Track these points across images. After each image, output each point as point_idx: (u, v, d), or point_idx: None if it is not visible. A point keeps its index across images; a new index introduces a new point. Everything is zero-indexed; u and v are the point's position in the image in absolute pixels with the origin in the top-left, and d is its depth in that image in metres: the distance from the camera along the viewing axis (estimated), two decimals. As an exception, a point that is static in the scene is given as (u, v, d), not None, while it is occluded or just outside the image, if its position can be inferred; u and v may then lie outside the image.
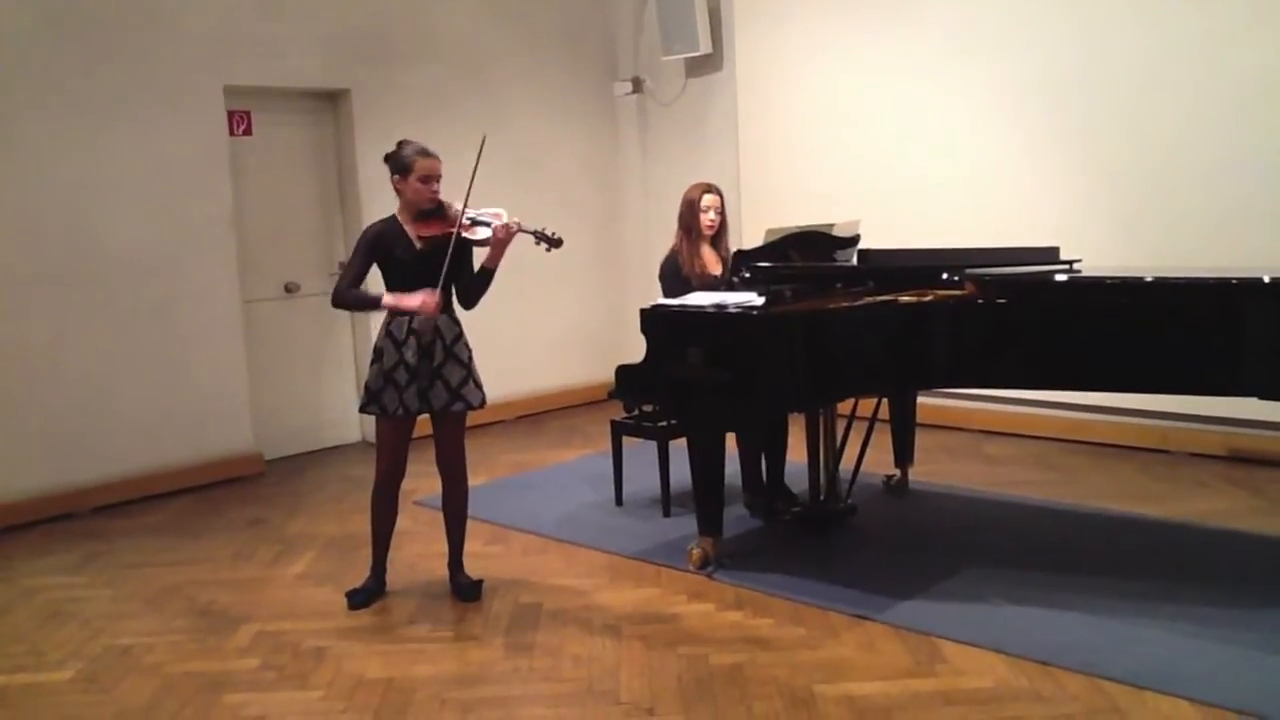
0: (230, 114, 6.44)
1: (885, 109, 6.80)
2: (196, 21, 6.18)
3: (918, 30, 6.62)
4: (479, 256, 4.15)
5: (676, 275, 5.01)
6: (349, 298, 4.09)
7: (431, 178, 4.05)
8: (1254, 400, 3.78)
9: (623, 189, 8.45)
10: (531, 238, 4.08)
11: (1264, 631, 3.58)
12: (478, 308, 4.23)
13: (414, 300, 4.00)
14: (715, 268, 5.06)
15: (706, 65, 7.74)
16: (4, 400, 5.56)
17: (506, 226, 4.04)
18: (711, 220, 5.02)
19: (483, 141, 3.98)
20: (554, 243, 4.09)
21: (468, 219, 4.05)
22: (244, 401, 6.43)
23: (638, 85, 8.21)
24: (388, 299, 4.04)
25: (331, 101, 6.98)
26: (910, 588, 4.09)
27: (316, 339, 6.96)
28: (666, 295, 4.96)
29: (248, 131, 6.60)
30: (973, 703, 3.23)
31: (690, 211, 5.04)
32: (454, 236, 3.98)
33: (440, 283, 3.99)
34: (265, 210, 6.69)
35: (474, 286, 4.17)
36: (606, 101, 8.35)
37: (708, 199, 5.02)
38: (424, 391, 4.07)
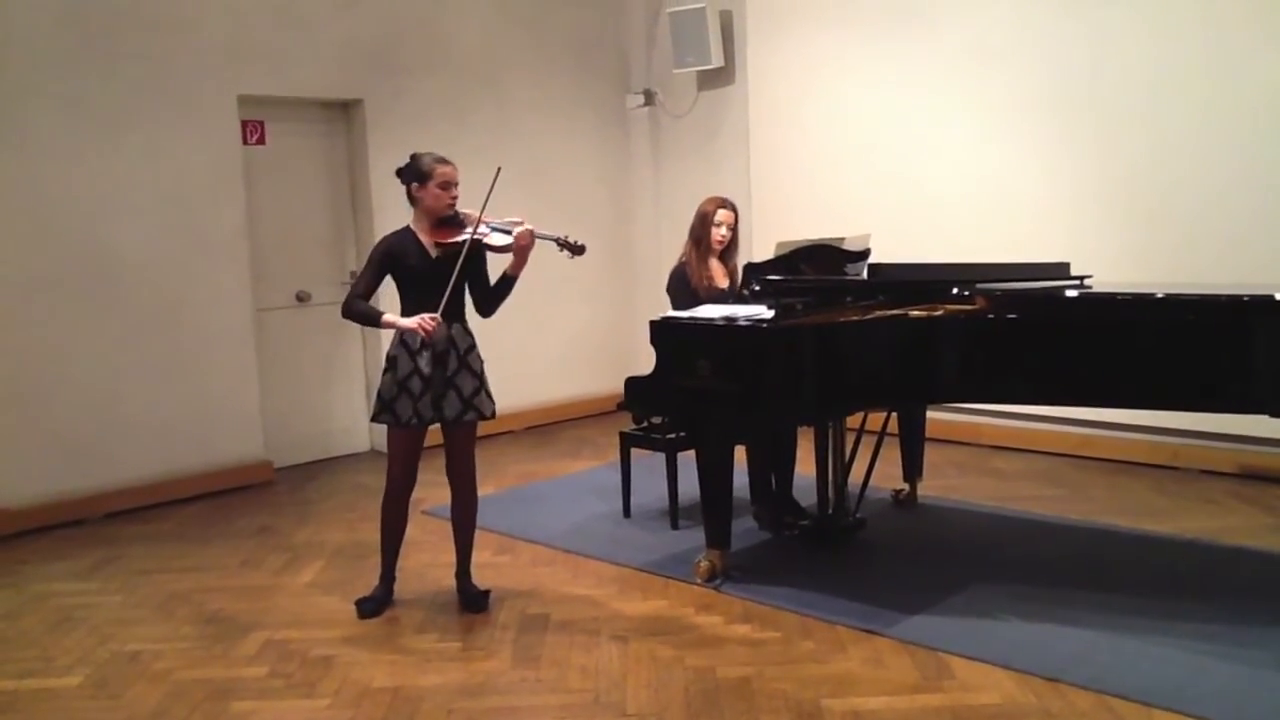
0: (244, 123, 6.47)
1: (896, 123, 6.81)
2: (210, 30, 6.22)
3: (929, 45, 6.63)
4: (499, 265, 4.13)
5: (685, 287, 5.02)
6: (356, 310, 4.08)
7: (450, 184, 4.09)
8: (1265, 418, 3.77)
9: (634, 201, 8.47)
10: (554, 244, 4.10)
11: (1274, 650, 3.56)
12: (483, 319, 4.25)
13: (410, 322, 3.98)
14: (722, 281, 5.07)
15: (718, 78, 7.76)
16: (16, 406, 5.59)
17: (528, 232, 4.06)
18: (722, 236, 5.04)
19: (497, 173, 3.99)
20: (576, 249, 4.12)
21: (486, 227, 4.08)
22: (254, 409, 6.45)
23: (650, 97, 8.23)
24: (387, 318, 4.05)
25: (345, 111, 7.01)
26: (918, 602, 4.08)
27: (327, 348, 6.98)
28: (674, 307, 4.97)
29: (261, 141, 6.64)
30: (980, 719, 3.22)
31: (703, 225, 5.05)
32: (468, 242, 3.99)
33: (448, 292, 3.99)
34: (278, 219, 6.72)
35: (494, 294, 4.20)
36: (618, 113, 8.37)
37: (721, 214, 5.04)
38: (437, 400, 4.08)
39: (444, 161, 4.10)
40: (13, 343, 5.57)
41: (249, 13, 6.36)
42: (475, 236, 4.02)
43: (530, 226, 4.08)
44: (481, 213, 4.02)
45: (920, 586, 4.26)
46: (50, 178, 5.67)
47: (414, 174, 4.10)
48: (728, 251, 5.11)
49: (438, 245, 4.08)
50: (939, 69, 6.59)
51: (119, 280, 5.91)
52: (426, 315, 3.97)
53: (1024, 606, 4.00)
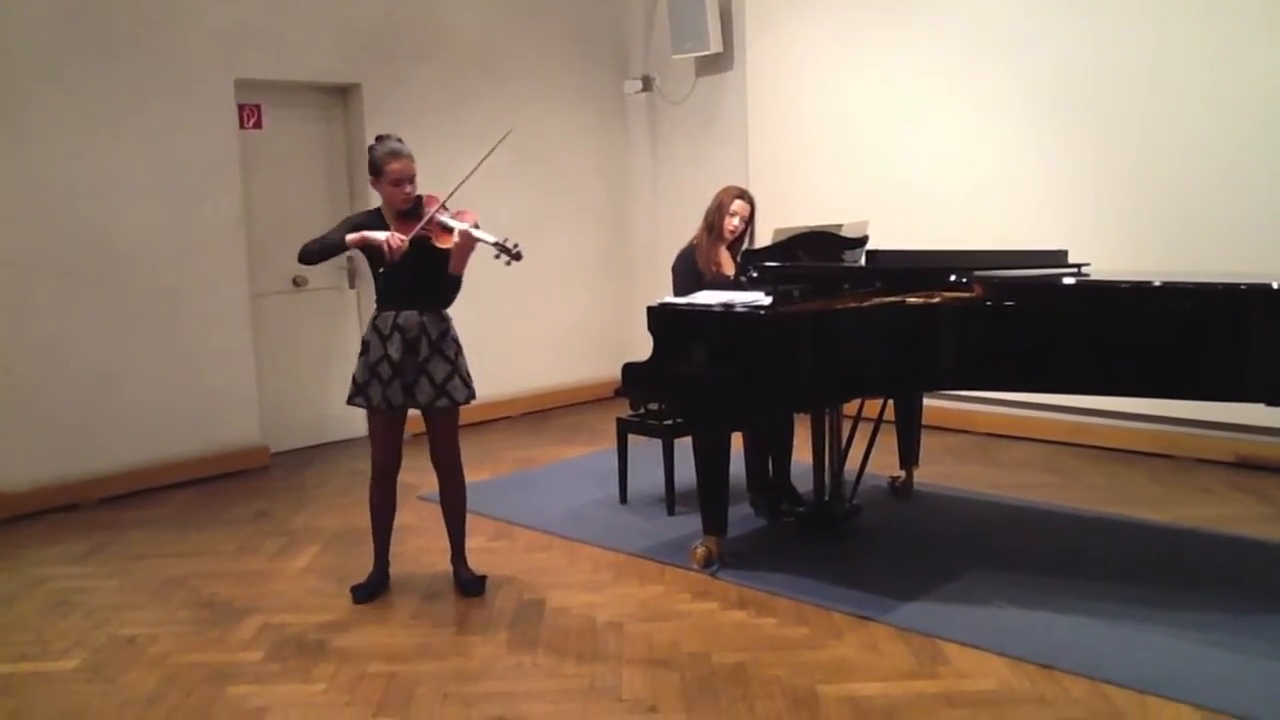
0: (241, 107, 6.45)
1: (895, 110, 6.79)
2: (208, 15, 6.19)
3: (928, 33, 6.61)
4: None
5: (692, 269, 5.02)
6: (311, 247, 4.00)
7: (402, 180, 4.00)
8: (1261, 406, 3.77)
9: (631, 187, 8.45)
10: (492, 249, 3.89)
11: (1268, 638, 3.57)
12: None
13: (380, 236, 3.90)
14: (729, 269, 5.07)
15: (717, 64, 7.73)
16: (13, 391, 5.58)
17: (465, 233, 3.92)
18: (735, 226, 5.04)
19: (506, 135, 3.92)
20: (514, 255, 3.87)
21: (439, 222, 3.99)
22: (251, 394, 6.44)
23: (648, 83, 8.21)
24: (352, 236, 3.95)
25: (342, 96, 6.98)
26: (914, 589, 4.09)
27: (324, 333, 6.96)
28: (677, 288, 4.97)
29: (258, 125, 6.61)
30: (975, 705, 3.23)
31: (719, 212, 5.05)
32: (414, 233, 3.94)
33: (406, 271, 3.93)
34: (274, 204, 6.69)
35: (443, 289, 4.13)
36: (616, 99, 8.35)
37: (737, 204, 5.04)
38: (408, 387, 4.07)
39: (396, 156, 3.98)
40: (10, 327, 5.55)
41: (246, -4, 6.34)
42: (423, 232, 3.96)
43: (469, 228, 3.92)
44: (442, 204, 3.97)
45: (916, 573, 4.26)
46: (47, 162, 5.64)
47: (370, 166, 4.05)
48: (739, 242, 5.10)
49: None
50: (938, 56, 6.57)
51: (115, 264, 5.89)
52: (395, 234, 3.90)
53: (1019, 593, 4.01)
